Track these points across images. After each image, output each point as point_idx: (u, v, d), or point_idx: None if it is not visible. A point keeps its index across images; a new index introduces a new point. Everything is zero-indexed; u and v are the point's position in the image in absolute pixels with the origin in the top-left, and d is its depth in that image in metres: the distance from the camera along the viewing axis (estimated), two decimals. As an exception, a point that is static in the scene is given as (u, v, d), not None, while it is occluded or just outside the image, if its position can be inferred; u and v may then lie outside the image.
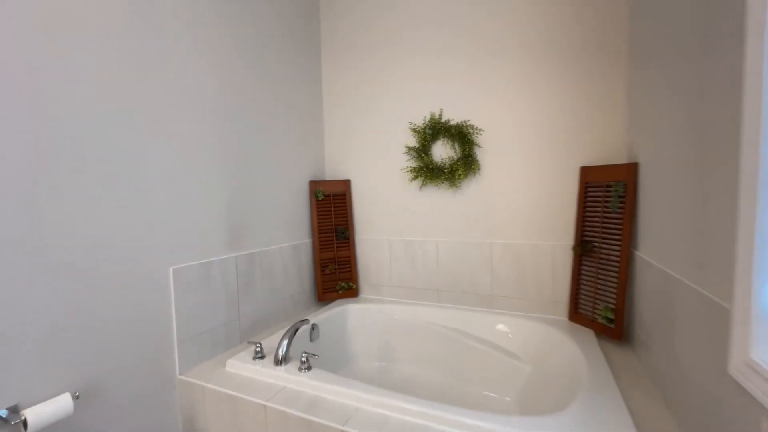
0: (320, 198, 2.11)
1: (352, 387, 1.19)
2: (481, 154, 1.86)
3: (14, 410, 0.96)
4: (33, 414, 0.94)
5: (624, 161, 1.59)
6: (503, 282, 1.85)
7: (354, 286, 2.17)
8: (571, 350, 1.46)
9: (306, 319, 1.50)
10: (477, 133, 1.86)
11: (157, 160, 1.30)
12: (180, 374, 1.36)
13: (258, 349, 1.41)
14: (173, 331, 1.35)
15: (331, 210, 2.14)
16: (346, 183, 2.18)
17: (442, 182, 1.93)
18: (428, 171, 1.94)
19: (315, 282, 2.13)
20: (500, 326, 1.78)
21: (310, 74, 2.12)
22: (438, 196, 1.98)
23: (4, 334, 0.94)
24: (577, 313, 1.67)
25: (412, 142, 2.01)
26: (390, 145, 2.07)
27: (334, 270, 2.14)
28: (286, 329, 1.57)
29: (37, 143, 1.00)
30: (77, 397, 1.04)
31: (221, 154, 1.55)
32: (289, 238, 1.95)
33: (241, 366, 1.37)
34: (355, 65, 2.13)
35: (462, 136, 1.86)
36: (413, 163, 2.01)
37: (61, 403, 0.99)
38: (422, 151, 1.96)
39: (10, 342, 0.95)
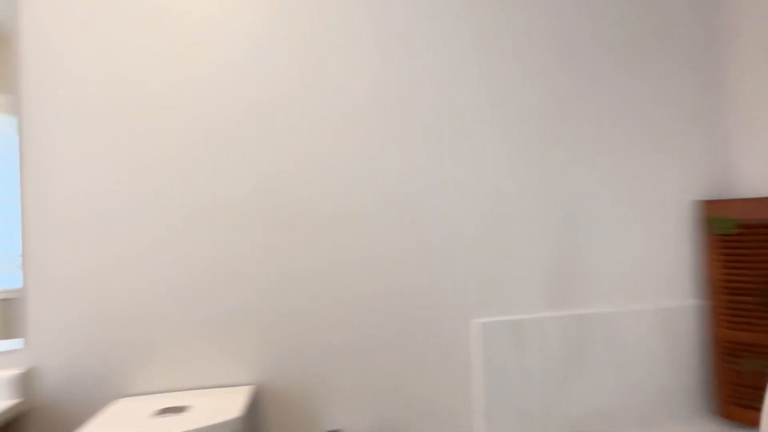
0: (726, 231, 1.17)
1: None
2: None
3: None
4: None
5: None
6: None
7: (819, 419, 1.03)
8: None
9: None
10: None
11: (464, 184, 1.10)
12: (480, 458, 1.07)
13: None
14: (473, 401, 1.08)
15: (750, 254, 1.14)
16: (795, 202, 1.09)
17: None
18: None
19: (710, 380, 1.21)
20: None
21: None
22: None
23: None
24: None
25: None
26: None
27: (758, 367, 1.11)
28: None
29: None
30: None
31: (541, 173, 1.14)
32: (654, 296, 1.19)
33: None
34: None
35: None
36: None
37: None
38: None
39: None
